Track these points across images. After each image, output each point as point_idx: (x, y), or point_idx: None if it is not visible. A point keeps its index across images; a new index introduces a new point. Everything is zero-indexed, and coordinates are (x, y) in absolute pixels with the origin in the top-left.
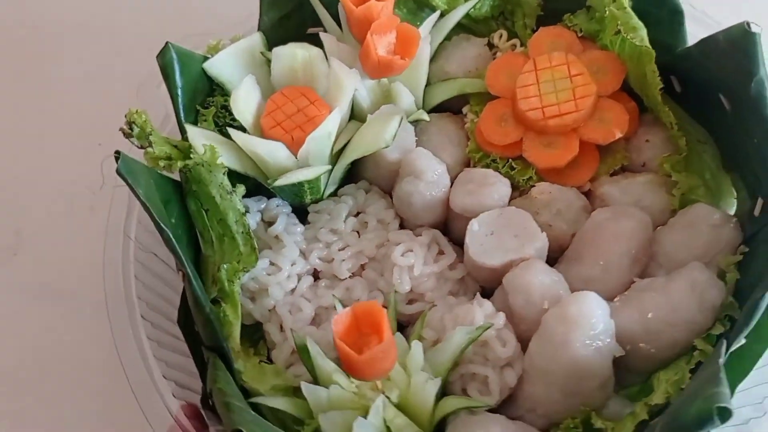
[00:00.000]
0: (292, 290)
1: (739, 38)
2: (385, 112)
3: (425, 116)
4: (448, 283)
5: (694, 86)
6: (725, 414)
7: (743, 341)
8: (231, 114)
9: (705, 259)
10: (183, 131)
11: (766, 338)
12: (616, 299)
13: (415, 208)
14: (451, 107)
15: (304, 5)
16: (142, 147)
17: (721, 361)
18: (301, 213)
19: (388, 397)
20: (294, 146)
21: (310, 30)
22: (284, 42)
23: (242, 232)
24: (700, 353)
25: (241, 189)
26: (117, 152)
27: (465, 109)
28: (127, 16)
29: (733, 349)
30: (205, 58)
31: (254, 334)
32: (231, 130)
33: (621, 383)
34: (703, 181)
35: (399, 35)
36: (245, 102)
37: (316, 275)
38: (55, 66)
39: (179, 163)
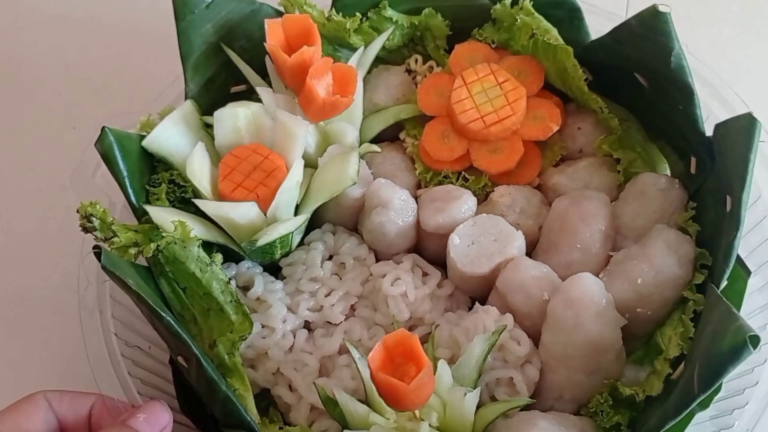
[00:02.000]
0: (290, 348)
1: (652, 20)
2: (336, 151)
3: (375, 148)
4: (441, 301)
5: (607, 72)
6: (756, 341)
7: (726, 282)
8: (180, 187)
9: (663, 221)
10: (140, 214)
11: (740, 277)
12: (600, 275)
13: (389, 237)
14: (386, 136)
15: (228, 66)
16: (105, 239)
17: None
18: (270, 270)
19: (429, 424)
20: (262, 203)
21: (234, 89)
22: (212, 105)
23: (231, 301)
24: (693, 303)
25: (219, 257)
26: (96, 247)
27: (402, 135)
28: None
29: (720, 290)
30: (141, 136)
31: (260, 402)
32: (198, 201)
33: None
34: (637, 154)
35: (336, 76)
36: (200, 170)
37: (308, 327)
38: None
39: (151, 246)
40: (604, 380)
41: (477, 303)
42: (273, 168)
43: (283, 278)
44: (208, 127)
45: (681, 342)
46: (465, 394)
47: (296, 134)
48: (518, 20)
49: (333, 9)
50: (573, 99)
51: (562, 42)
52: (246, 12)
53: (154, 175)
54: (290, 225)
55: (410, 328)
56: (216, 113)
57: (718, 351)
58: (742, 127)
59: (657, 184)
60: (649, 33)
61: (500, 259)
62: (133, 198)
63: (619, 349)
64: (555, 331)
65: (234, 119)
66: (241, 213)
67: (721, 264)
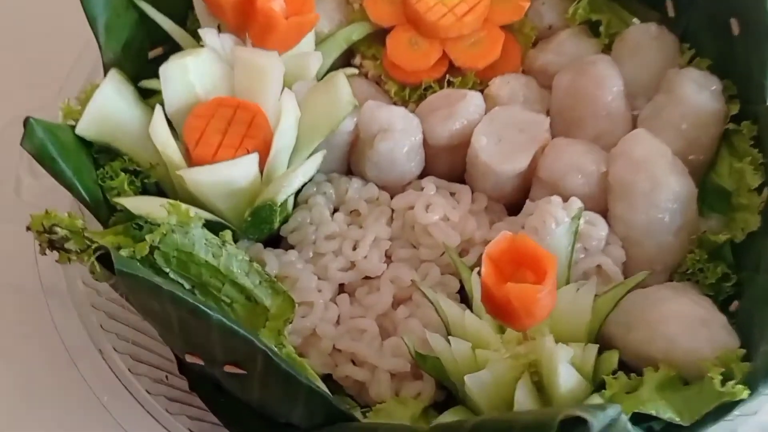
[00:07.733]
0: (338, 319)
1: None
2: (305, 87)
3: (351, 70)
4: (483, 216)
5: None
6: None
7: None
8: (138, 174)
9: (666, 68)
10: (104, 217)
11: None
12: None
13: (399, 164)
14: (332, 68)
15: (143, 23)
16: (81, 251)
17: None
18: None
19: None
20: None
21: (152, 54)
22: (135, 77)
23: (260, 283)
24: (746, 129)
25: (228, 235)
26: (100, 248)
27: (356, 60)
28: None
29: None
30: (71, 127)
31: None
32: (185, 171)
33: None
34: (609, 15)
35: None
36: (169, 138)
37: (344, 291)
38: None
39: (146, 243)
40: (691, 236)
41: (528, 201)
42: (251, 117)
43: (291, 248)
44: (147, 96)
45: (755, 169)
46: (577, 289)
47: (267, 68)
48: None
49: None
50: None
51: None
52: None
53: (99, 170)
54: (308, 168)
55: (461, 254)
56: (162, 70)
57: None
58: None
59: (648, 33)
60: None
61: (536, 146)
62: (87, 198)
63: (695, 197)
64: (631, 200)
65: (184, 73)
66: (244, 171)
67: (758, 79)
